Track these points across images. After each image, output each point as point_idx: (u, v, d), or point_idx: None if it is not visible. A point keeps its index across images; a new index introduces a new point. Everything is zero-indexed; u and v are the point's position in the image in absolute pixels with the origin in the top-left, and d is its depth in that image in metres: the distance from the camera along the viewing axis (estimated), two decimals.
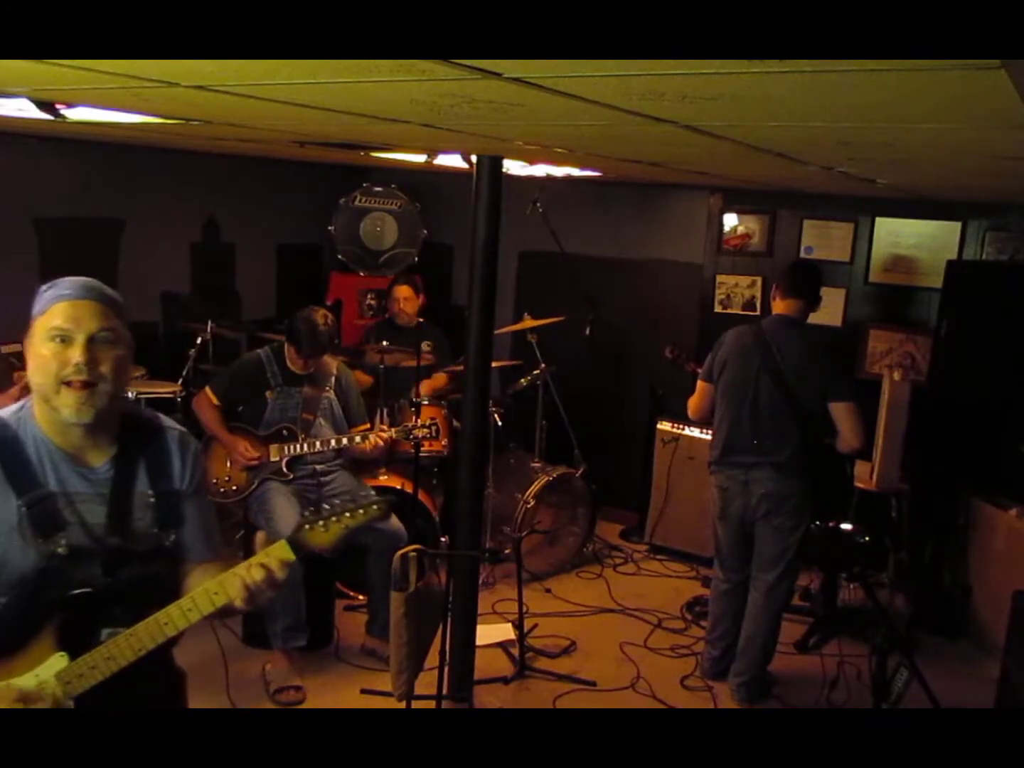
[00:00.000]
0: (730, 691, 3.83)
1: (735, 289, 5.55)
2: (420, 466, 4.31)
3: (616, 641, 4.29)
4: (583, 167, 4.22)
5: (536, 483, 4.79)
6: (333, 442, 3.91)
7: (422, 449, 4.36)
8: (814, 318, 3.85)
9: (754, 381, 3.64)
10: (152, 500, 1.73)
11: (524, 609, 4.06)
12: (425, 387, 4.98)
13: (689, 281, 5.67)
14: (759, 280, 5.44)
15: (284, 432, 3.90)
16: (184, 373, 4.77)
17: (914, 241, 5.08)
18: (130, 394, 4.46)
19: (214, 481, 3.92)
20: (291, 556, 1.65)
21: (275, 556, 1.64)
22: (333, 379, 4.06)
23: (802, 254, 5.31)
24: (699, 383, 3.89)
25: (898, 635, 3.80)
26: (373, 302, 6.00)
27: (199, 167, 5.37)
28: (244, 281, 5.94)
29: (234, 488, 3.91)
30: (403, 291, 5.06)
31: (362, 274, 5.95)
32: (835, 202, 5.18)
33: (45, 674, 1.60)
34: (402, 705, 2.89)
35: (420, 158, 3.98)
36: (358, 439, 3.93)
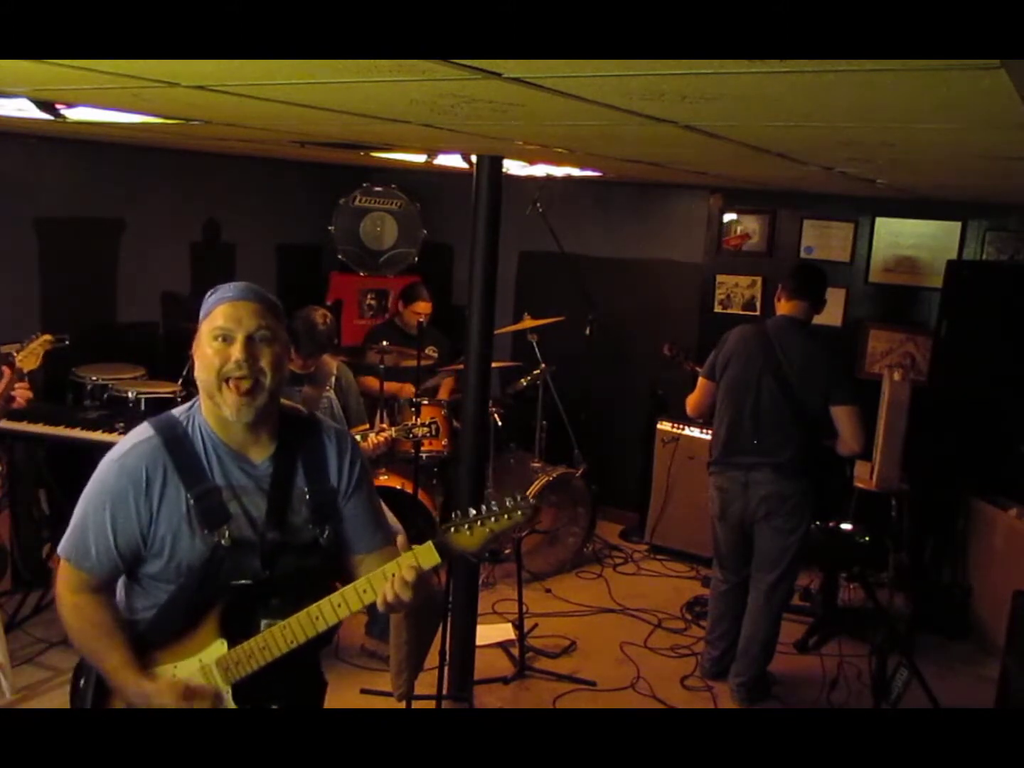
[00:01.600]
0: (730, 691, 3.83)
1: (735, 289, 5.55)
2: (420, 466, 4.31)
3: (616, 641, 4.29)
4: (583, 167, 4.22)
5: (536, 483, 4.79)
6: None
7: (422, 449, 4.36)
8: (815, 318, 3.85)
9: (756, 381, 3.63)
10: (308, 497, 1.79)
11: (524, 609, 4.06)
12: (443, 391, 5.00)
13: (689, 281, 5.67)
14: (759, 280, 5.44)
15: None
16: (184, 373, 4.75)
17: (914, 241, 5.08)
18: (130, 394, 4.47)
19: None
20: (437, 560, 1.65)
21: (422, 559, 1.64)
22: (333, 379, 4.06)
23: (802, 254, 5.31)
24: (700, 380, 3.89)
25: (898, 635, 3.81)
26: (373, 302, 6.00)
27: (199, 167, 5.37)
28: (244, 281, 5.92)
29: None
30: (426, 307, 5.00)
31: (362, 274, 5.94)
32: (835, 202, 5.18)
33: (207, 659, 1.71)
34: (402, 705, 2.89)
35: (420, 158, 3.98)
36: (358, 439, 3.93)
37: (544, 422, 5.21)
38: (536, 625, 4.31)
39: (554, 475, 4.88)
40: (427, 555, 1.64)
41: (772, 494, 3.61)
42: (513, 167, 4.03)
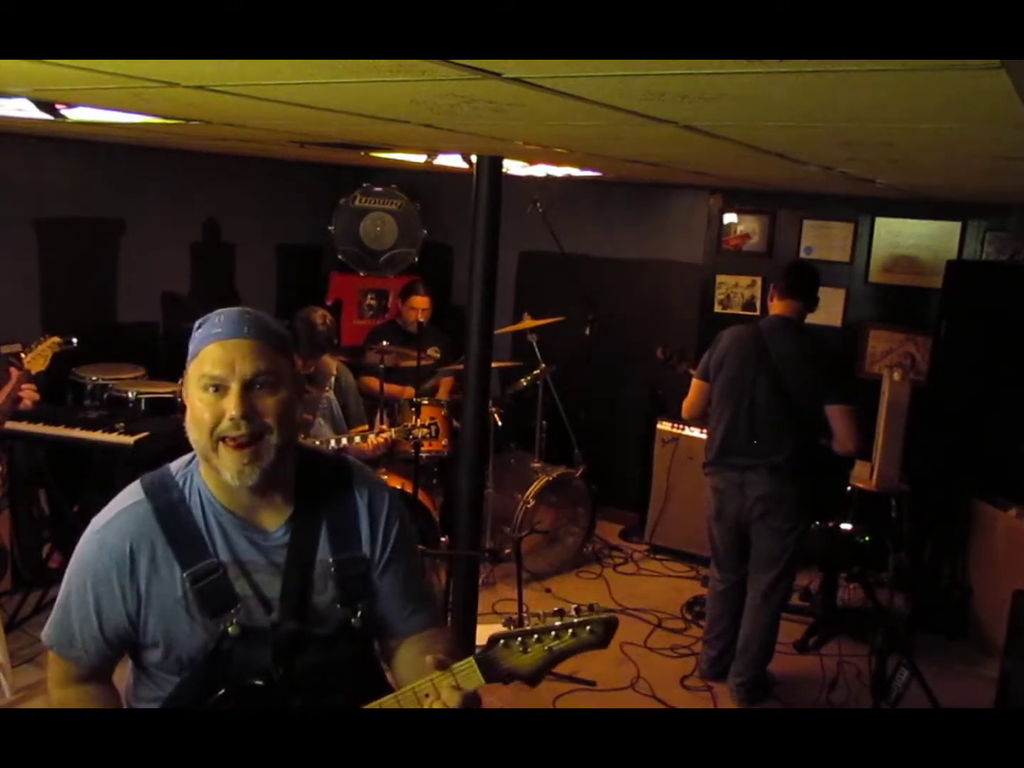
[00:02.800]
0: (729, 691, 3.83)
1: (735, 289, 5.55)
2: (420, 466, 4.31)
3: (616, 641, 4.26)
4: (583, 167, 4.22)
5: (536, 483, 4.79)
6: (333, 442, 3.91)
7: (422, 449, 4.36)
8: (814, 318, 3.85)
9: (751, 382, 3.63)
10: (334, 570, 1.48)
11: (524, 609, 4.06)
12: (443, 390, 5.00)
13: (689, 281, 5.67)
14: (759, 280, 5.44)
15: None
16: (184, 373, 4.76)
17: (914, 241, 5.08)
18: (130, 394, 4.47)
19: None
20: (480, 682, 1.37)
21: (462, 680, 1.37)
22: (332, 379, 4.06)
23: (802, 254, 5.31)
24: (694, 381, 3.89)
25: (898, 635, 3.81)
26: (373, 302, 6.00)
27: (199, 167, 5.37)
28: (244, 281, 5.93)
29: None
30: (423, 301, 5.03)
31: (362, 274, 5.94)
32: (835, 202, 5.18)
33: None
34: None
35: (420, 158, 3.98)
36: (358, 439, 3.93)
37: (544, 422, 5.21)
38: None
39: (554, 475, 4.88)
40: (469, 676, 1.38)
41: (768, 495, 3.61)
42: (513, 167, 4.03)
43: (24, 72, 1.70)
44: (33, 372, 3.24)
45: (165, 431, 4.03)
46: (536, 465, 5.00)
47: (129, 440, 3.78)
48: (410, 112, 1.99)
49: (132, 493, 1.50)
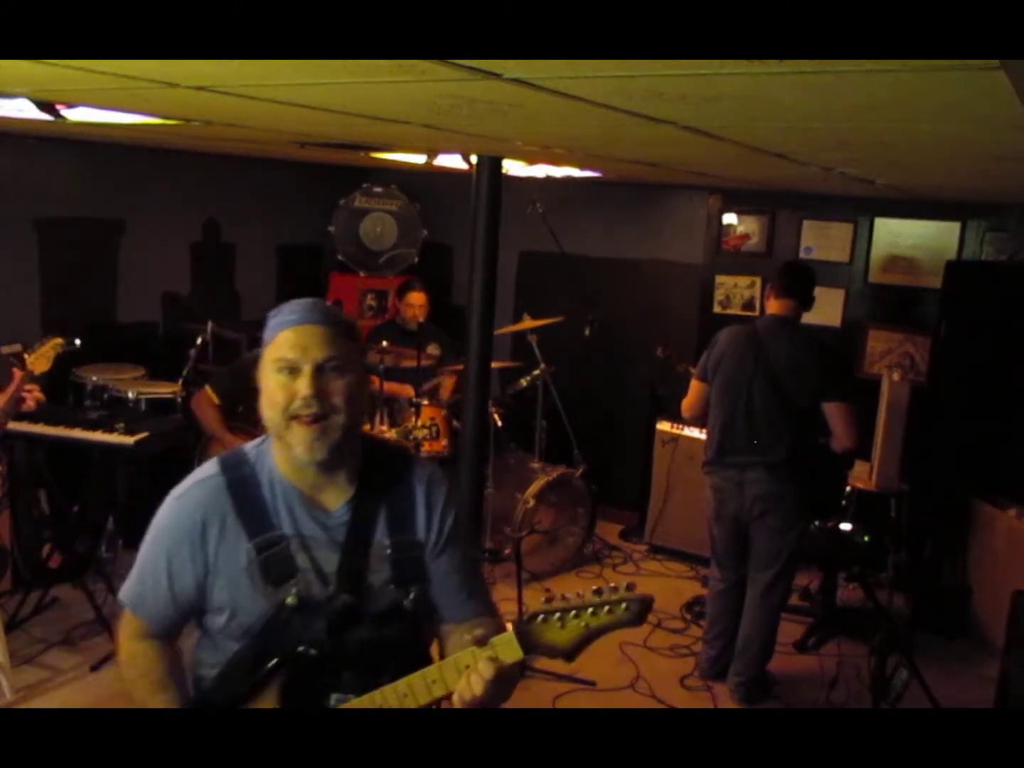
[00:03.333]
0: (729, 691, 3.83)
1: (734, 289, 5.55)
2: None
3: (616, 641, 4.29)
4: (583, 167, 4.22)
5: (536, 483, 4.79)
6: None
7: (422, 449, 4.36)
8: (813, 318, 3.85)
9: (748, 381, 3.64)
10: (389, 552, 1.56)
11: (524, 609, 4.06)
12: (446, 390, 5.00)
13: (688, 281, 5.67)
14: (758, 280, 5.44)
15: None
16: (184, 373, 4.76)
17: (913, 241, 5.08)
18: (130, 394, 4.47)
19: None
20: (518, 654, 1.40)
21: (501, 652, 1.40)
22: None
23: (802, 254, 5.31)
24: (693, 382, 3.90)
25: (898, 635, 3.81)
26: (373, 302, 6.00)
27: (199, 167, 5.37)
28: (244, 281, 5.94)
29: None
30: (419, 297, 5.04)
31: (362, 274, 5.94)
32: (835, 202, 5.18)
33: None
34: None
35: (420, 158, 3.98)
36: None
37: (544, 422, 5.21)
38: None
39: (554, 475, 4.88)
40: (507, 648, 1.40)
41: (766, 494, 3.61)
42: (513, 167, 4.03)
43: (24, 72, 1.70)
44: (36, 373, 3.24)
45: (165, 431, 4.03)
46: (536, 465, 5.00)
47: (129, 440, 3.78)
48: (410, 113, 1.99)
49: (208, 467, 1.60)
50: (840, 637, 4.27)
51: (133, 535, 4.81)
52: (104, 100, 2.21)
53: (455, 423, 4.63)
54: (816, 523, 4.01)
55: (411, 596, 1.57)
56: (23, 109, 2.44)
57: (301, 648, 1.51)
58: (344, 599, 1.52)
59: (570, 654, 1.41)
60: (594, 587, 1.40)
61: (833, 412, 3.54)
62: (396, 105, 1.87)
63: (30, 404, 3.24)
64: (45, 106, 2.42)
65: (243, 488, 1.55)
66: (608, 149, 2.94)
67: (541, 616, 1.40)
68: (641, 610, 1.38)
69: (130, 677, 1.61)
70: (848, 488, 4.35)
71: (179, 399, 4.64)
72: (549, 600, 1.42)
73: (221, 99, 1.91)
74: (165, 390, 4.63)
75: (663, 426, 5.32)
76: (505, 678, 1.41)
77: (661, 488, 5.33)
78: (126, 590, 1.64)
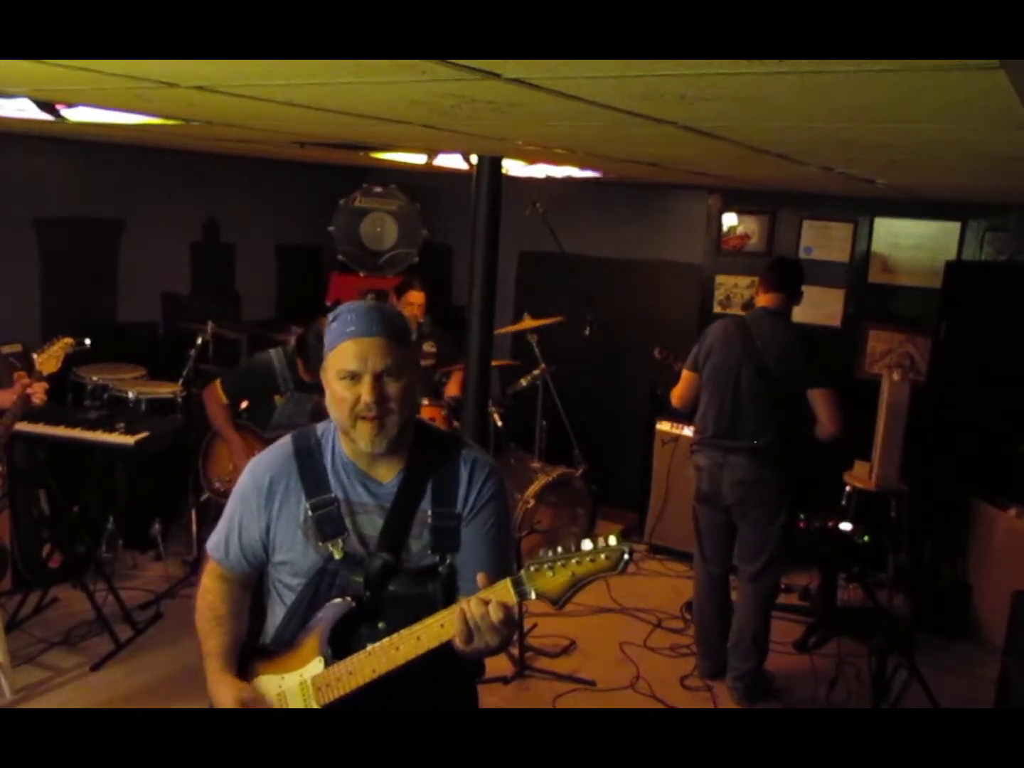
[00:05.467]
0: (728, 690, 3.83)
1: (734, 289, 5.55)
2: None
3: (616, 641, 4.29)
4: (583, 167, 4.22)
5: (536, 483, 4.79)
6: None
7: None
8: (813, 318, 3.87)
9: (736, 368, 3.71)
10: (430, 521, 1.74)
11: (524, 609, 4.06)
12: (453, 385, 4.99)
13: (688, 281, 5.67)
14: (758, 280, 5.43)
15: None
16: (184, 373, 4.77)
17: (913, 241, 5.08)
18: (130, 394, 4.47)
19: (215, 480, 3.91)
20: (512, 598, 1.56)
21: (496, 596, 1.56)
22: None
23: (801, 254, 5.31)
24: (684, 372, 3.96)
25: (898, 635, 3.81)
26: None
27: (199, 167, 5.37)
28: (244, 281, 5.94)
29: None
30: (418, 296, 5.03)
31: (362, 274, 5.94)
32: (835, 202, 5.18)
33: (307, 676, 1.70)
34: None
35: (420, 158, 3.98)
36: None
37: (544, 422, 5.21)
38: (535, 625, 4.30)
39: (554, 475, 4.87)
40: (503, 593, 1.56)
41: (746, 479, 3.67)
42: (513, 167, 4.03)
43: (24, 72, 1.70)
44: (45, 373, 3.25)
45: (165, 431, 4.03)
46: (536, 465, 5.00)
47: (129, 440, 3.78)
48: (410, 113, 1.99)
49: (284, 439, 1.85)
50: (840, 637, 4.27)
51: (133, 535, 4.83)
52: (104, 100, 2.21)
53: (455, 423, 4.62)
54: (802, 515, 4.05)
55: (446, 563, 1.74)
56: (23, 109, 2.44)
57: (344, 598, 1.70)
58: (383, 557, 1.71)
59: (557, 600, 1.56)
60: (584, 540, 1.57)
61: (817, 398, 3.60)
62: (396, 105, 1.87)
63: (41, 397, 3.25)
64: (45, 106, 2.42)
65: (307, 456, 1.78)
66: (608, 149, 2.94)
67: (533, 566, 1.55)
68: (619, 558, 1.56)
69: (199, 606, 1.86)
70: (847, 488, 4.36)
71: (179, 399, 4.64)
72: (543, 553, 1.58)
73: (221, 99, 1.91)
74: (165, 390, 4.63)
75: (663, 426, 5.32)
76: (501, 622, 1.54)
77: (661, 488, 5.33)
78: (211, 539, 1.89)
